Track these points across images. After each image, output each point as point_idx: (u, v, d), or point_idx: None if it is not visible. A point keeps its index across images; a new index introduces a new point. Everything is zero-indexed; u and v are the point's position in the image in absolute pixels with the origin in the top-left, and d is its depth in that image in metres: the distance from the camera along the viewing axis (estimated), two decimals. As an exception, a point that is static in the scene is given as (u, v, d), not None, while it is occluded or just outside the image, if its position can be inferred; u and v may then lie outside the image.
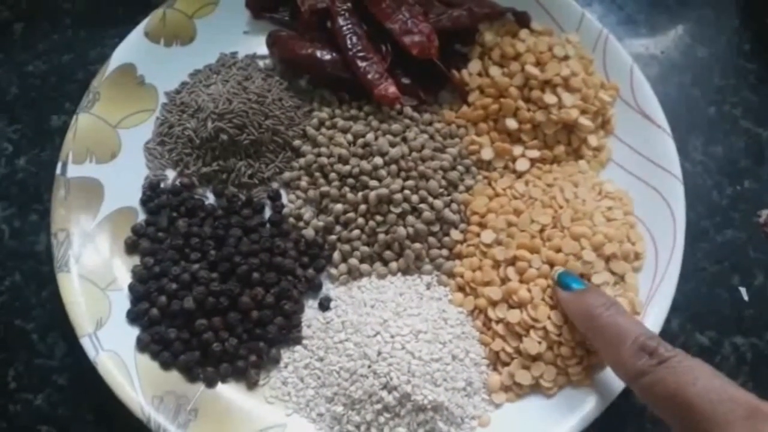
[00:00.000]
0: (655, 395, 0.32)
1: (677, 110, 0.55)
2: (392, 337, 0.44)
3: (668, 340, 0.43)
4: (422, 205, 0.49)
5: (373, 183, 0.49)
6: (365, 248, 0.49)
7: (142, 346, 0.45)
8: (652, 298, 0.46)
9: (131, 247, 0.49)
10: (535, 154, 0.52)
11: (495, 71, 0.53)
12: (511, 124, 0.52)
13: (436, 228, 0.49)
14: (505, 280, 0.46)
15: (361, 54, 0.52)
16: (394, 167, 0.50)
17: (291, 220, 0.51)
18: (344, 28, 0.53)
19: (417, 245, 0.49)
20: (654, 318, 0.45)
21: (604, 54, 0.54)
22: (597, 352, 0.43)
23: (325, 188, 0.50)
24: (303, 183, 0.51)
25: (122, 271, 0.48)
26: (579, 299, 0.37)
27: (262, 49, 0.56)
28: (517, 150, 0.52)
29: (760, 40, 0.60)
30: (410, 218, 0.49)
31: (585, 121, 0.51)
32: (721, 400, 0.29)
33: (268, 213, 0.51)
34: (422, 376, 0.42)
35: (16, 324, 0.50)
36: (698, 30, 0.61)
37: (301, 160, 0.52)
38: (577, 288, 0.40)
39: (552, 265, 0.46)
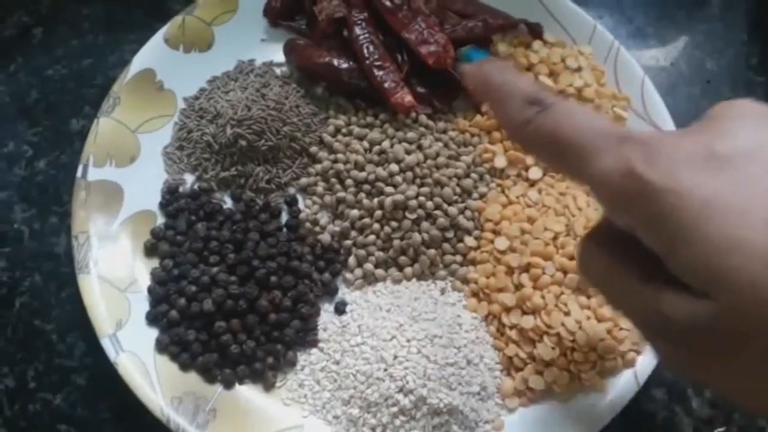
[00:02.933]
0: (536, 141, 0.31)
1: (687, 122, 0.55)
2: (408, 341, 0.44)
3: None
4: (437, 212, 0.50)
5: (389, 189, 0.50)
6: (380, 253, 0.50)
7: (161, 347, 0.46)
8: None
9: (150, 250, 0.50)
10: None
11: (508, 81, 0.54)
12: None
13: (450, 234, 0.50)
14: (518, 287, 0.47)
15: (377, 63, 0.53)
16: (409, 174, 0.51)
17: (307, 224, 0.51)
18: (361, 37, 0.54)
19: (432, 251, 0.49)
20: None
21: (615, 65, 0.55)
22: (610, 358, 0.44)
23: (341, 194, 0.51)
24: (319, 188, 0.52)
25: (142, 273, 0.49)
26: (478, 67, 0.35)
27: (279, 57, 0.57)
28: (530, 159, 0.53)
29: (767, 54, 0.61)
30: (425, 224, 0.50)
31: None
32: (592, 133, 0.29)
33: (284, 218, 0.52)
34: (437, 379, 0.43)
35: (35, 324, 0.50)
36: (707, 43, 0.62)
37: (318, 166, 0.53)
38: (479, 58, 0.37)
39: (565, 272, 0.46)
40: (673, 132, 0.28)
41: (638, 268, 0.29)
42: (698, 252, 0.25)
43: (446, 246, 0.50)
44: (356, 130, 0.53)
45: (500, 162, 0.52)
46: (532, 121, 0.31)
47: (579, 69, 0.53)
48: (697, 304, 0.26)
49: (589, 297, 0.46)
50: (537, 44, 0.55)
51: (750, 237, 0.24)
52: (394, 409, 0.43)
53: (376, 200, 0.50)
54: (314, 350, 0.47)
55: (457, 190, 0.51)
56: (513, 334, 0.46)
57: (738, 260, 0.24)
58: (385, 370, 0.44)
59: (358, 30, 0.54)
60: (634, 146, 0.27)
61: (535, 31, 0.56)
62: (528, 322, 0.45)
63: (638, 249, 0.28)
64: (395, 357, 0.44)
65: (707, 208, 0.25)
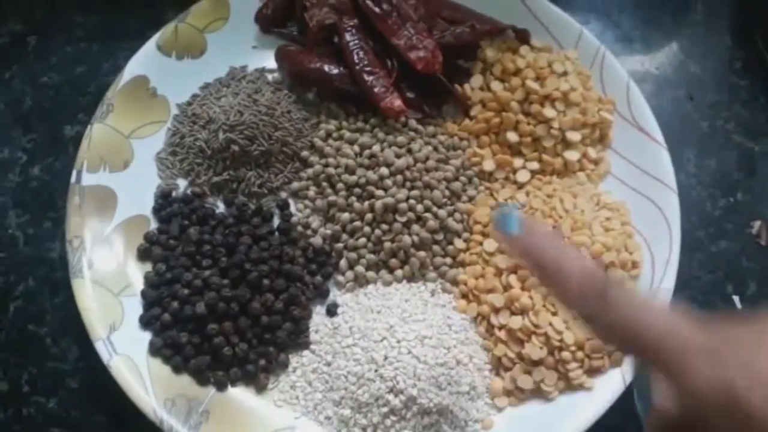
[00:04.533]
0: (609, 335, 0.31)
1: (672, 124, 0.57)
2: (398, 342, 0.45)
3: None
4: (427, 215, 0.51)
5: (379, 193, 0.51)
6: (371, 256, 0.50)
7: (154, 350, 0.47)
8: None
9: (144, 254, 0.50)
10: (535, 166, 0.53)
11: (496, 86, 0.55)
12: (512, 137, 0.53)
13: (440, 237, 0.51)
14: (507, 288, 0.47)
15: (367, 69, 0.54)
16: (399, 177, 0.51)
17: (299, 228, 0.52)
18: (351, 43, 0.55)
19: (422, 253, 0.50)
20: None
21: (601, 70, 0.56)
22: (597, 357, 0.45)
23: (332, 198, 0.52)
24: (311, 192, 0.53)
25: (135, 277, 0.49)
26: (524, 241, 0.34)
27: (271, 63, 0.57)
28: (518, 162, 0.54)
29: (751, 58, 0.63)
30: (415, 227, 0.50)
31: (572, 135, 0.53)
32: (670, 334, 0.29)
33: (276, 222, 0.53)
34: (427, 380, 0.44)
35: (29, 329, 0.51)
36: (692, 47, 0.63)
37: (309, 171, 0.53)
38: (514, 229, 0.37)
39: (552, 273, 0.47)
40: (756, 343, 0.29)
41: None
42: None
43: (436, 248, 0.51)
44: (347, 134, 0.54)
45: (488, 165, 0.53)
46: (600, 317, 0.30)
47: (565, 73, 0.54)
48: None
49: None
50: (524, 49, 0.56)
51: None
52: (385, 409, 0.44)
53: (366, 203, 0.51)
54: (306, 352, 0.48)
55: (447, 193, 0.52)
56: (502, 334, 0.46)
57: None
58: (376, 370, 0.44)
59: (348, 36, 0.55)
60: (727, 365, 0.27)
61: (523, 37, 0.57)
62: (516, 322, 0.46)
63: None
64: (386, 358, 0.44)
65: None
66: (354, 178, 0.52)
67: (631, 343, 0.30)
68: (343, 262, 0.51)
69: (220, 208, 0.53)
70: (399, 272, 0.50)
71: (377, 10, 0.55)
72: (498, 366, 0.47)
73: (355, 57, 0.54)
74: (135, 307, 0.48)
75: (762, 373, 0.27)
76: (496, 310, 0.47)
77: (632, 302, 0.30)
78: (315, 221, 0.52)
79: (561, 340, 0.45)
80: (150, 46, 0.56)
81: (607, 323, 0.30)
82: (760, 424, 0.26)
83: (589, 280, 0.31)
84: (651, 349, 0.29)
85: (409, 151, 0.53)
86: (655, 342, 0.29)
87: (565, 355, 0.45)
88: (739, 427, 0.27)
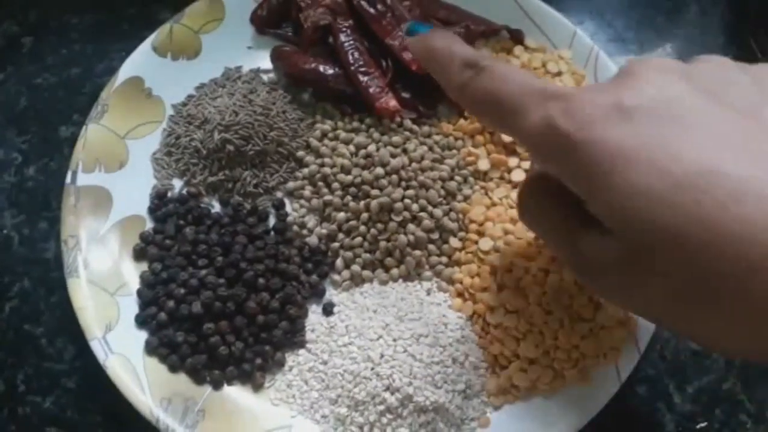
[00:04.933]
0: (474, 101, 0.34)
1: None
2: (394, 340, 0.45)
3: (660, 343, 0.45)
4: (422, 214, 0.51)
5: (375, 192, 0.51)
6: (367, 255, 0.51)
7: (150, 349, 0.47)
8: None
9: (139, 254, 0.50)
10: (529, 165, 0.54)
11: (491, 86, 0.55)
12: (507, 136, 0.54)
13: (435, 236, 0.51)
14: (502, 287, 0.47)
15: (362, 69, 0.54)
16: (395, 177, 0.51)
17: (295, 228, 0.52)
18: (346, 44, 0.55)
19: (417, 252, 0.50)
20: (646, 322, 0.47)
21: (595, 70, 0.56)
22: (592, 355, 0.45)
23: (328, 197, 0.52)
24: (306, 192, 0.53)
25: (131, 276, 0.49)
26: (422, 38, 0.38)
27: (266, 64, 0.58)
28: (513, 161, 0.54)
29: (744, 58, 0.62)
30: (411, 226, 0.51)
31: None
32: (524, 91, 0.32)
33: (272, 221, 0.53)
34: (424, 378, 0.44)
35: (25, 329, 0.51)
36: (685, 47, 0.64)
37: (305, 170, 0.54)
38: (424, 31, 0.40)
39: (547, 272, 0.47)
40: (592, 86, 0.33)
41: (566, 211, 0.32)
42: (608, 197, 0.28)
43: (431, 247, 0.51)
44: (342, 134, 0.54)
45: (484, 165, 0.53)
46: (469, 83, 0.33)
47: (559, 73, 0.55)
48: (606, 241, 0.30)
49: (571, 296, 0.47)
50: (518, 50, 0.56)
51: (647, 183, 0.27)
52: (381, 407, 0.44)
53: (362, 203, 0.51)
54: (302, 351, 0.48)
55: (442, 192, 0.52)
56: (497, 332, 0.46)
57: (638, 203, 0.27)
58: (372, 369, 0.44)
59: (343, 37, 0.55)
60: (556, 102, 0.30)
61: (517, 37, 0.57)
62: (511, 320, 0.46)
63: (567, 194, 0.31)
64: (382, 356, 0.45)
65: (615, 158, 0.28)
66: (350, 177, 0.52)
67: (490, 109, 0.33)
68: (339, 262, 0.51)
69: (216, 208, 0.53)
70: (395, 271, 0.50)
71: (372, 11, 0.55)
72: (494, 364, 0.47)
73: (350, 57, 0.54)
74: (131, 307, 0.48)
75: (579, 103, 0.29)
76: (492, 309, 0.47)
77: (502, 70, 0.33)
78: (311, 221, 0.52)
79: (556, 339, 0.45)
80: (145, 47, 0.56)
81: (475, 90, 0.33)
82: (575, 147, 0.29)
83: (470, 56, 0.34)
84: (503, 108, 0.32)
85: (405, 150, 0.53)
86: (506, 101, 0.32)
87: (561, 353, 0.45)
88: (561, 156, 0.30)
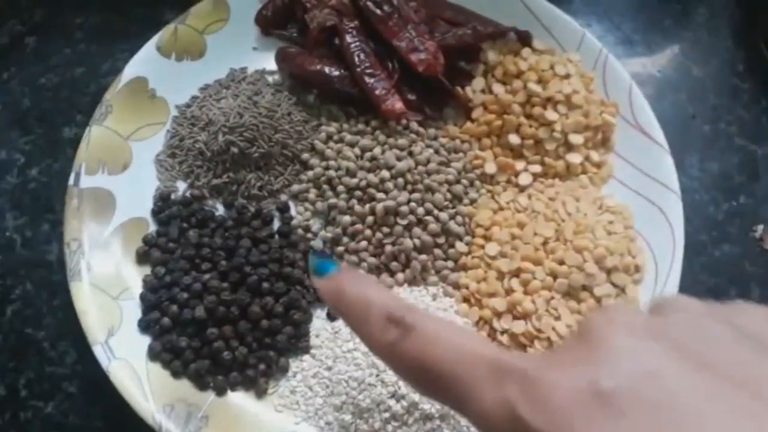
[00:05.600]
0: (403, 368, 0.28)
1: (674, 128, 0.57)
2: (400, 346, 0.45)
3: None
4: (428, 218, 0.50)
5: (380, 195, 0.50)
6: (372, 259, 0.50)
7: (153, 354, 0.46)
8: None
9: (142, 257, 0.50)
10: (537, 168, 0.53)
11: (498, 88, 0.54)
12: (514, 139, 0.53)
13: (441, 240, 0.50)
14: (509, 292, 0.47)
15: (368, 71, 0.53)
16: (400, 180, 0.51)
17: (299, 231, 0.52)
18: (352, 45, 0.54)
19: (423, 257, 0.50)
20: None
21: (603, 72, 0.56)
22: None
23: (332, 200, 0.51)
24: (311, 195, 0.53)
25: (134, 280, 0.49)
26: (331, 282, 0.32)
27: (271, 65, 0.57)
28: (520, 165, 0.53)
29: (753, 61, 0.62)
30: (416, 230, 0.50)
31: (575, 138, 0.52)
32: (463, 360, 0.26)
33: (276, 224, 0.52)
34: (430, 384, 0.43)
35: (27, 332, 0.50)
36: (694, 50, 0.63)
37: (310, 173, 0.53)
38: (331, 272, 0.33)
39: (555, 277, 0.47)
40: (552, 360, 0.26)
41: None
42: None
43: (437, 251, 0.50)
44: (348, 137, 0.53)
45: (490, 168, 0.53)
46: (396, 345, 0.27)
47: (568, 76, 0.54)
48: None
49: (579, 302, 0.47)
50: (526, 52, 0.56)
51: None
52: (387, 414, 0.43)
53: (367, 206, 0.51)
54: (306, 356, 0.47)
55: (448, 196, 0.52)
56: (504, 338, 0.46)
57: None
58: (377, 375, 0.44)
59: (349, 38, 0.54)
60: (513, 384, 0.24)
61: (525, 39, 0.56)
62: (519, 326, 0.46)
63: None
64: (387, 362, 0.44)
65: None
66: (355, 180, 0.51)
67: (427, 379, 0.27)
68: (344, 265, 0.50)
69: (220, 210, 0.52)
70: (400, 276, 0.50)
71: (378, 11, 0.54)
72: (500, 371, 0.46)
73: (356, 59, 0.54)
74: (133, 311, 0.48)
75: (545, 390, 0.24)
76: (498, 315, 0.47)
77: (431, 329, 0.27)
78: (315, 224, 0.52)
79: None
80: (149, 47, 0.55)
81: (403, 355, 0.27)
82: None
83: (393, 309, 0.28)
84: (442, 380, 0.26)
85: (410, 153, 0.53)
86: (446, 372, 0.26)
87: (568, 359, 0.44)
88: None
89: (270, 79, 0.57)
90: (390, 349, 0.28)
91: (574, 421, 0.23)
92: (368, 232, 0.50)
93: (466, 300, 0.49)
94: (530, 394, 0.24)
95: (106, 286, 0.48)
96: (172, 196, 0.52)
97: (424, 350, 0.27)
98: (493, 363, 0.25)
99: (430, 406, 0.43)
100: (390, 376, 0.43)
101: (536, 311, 0.45)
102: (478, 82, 0.55)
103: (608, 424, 0.22)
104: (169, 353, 0.46)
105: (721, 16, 0.65)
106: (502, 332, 0.46)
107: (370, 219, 0.50)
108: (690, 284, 0.52)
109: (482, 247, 0.50)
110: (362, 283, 0.31)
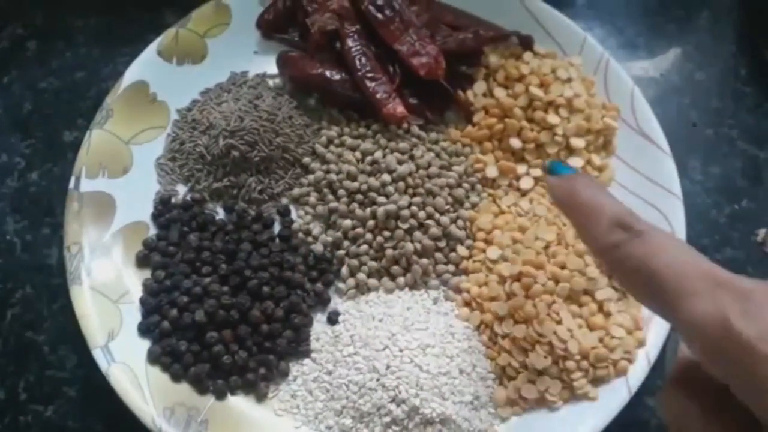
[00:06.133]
0: (624, 268, 0.31)
1: (676, 131, 0.56)
2: (401, 351, 0.44)
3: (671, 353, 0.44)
4: (429, 221, 0.50)
5: (381, 199, 0.50)
6: (373, 263, 0.50)
7: (153, 358, 0.46)
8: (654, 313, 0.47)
9: (142, 261, 0.50)
10: (538, 172, 0.53)
11: (499, 92, 0.54)
12: (515, 143, 0.53)
13: (442, 244, 0.50)
14: (510, 296, 0.47)
15: (369, 74, 0.53)
16: (401, 184, 0.51)
17: (300, 235, 0.52)
18: (353, 49, 0.54)
19: (424, 260, 0.49)
20: (656, 332, 0.46)
21: (605, 76, 0.56)
22: (602, 366, 0.44)
23: (333, 204, 0.51)
24: (312, 199, 0.52)
25: (134, 284, 0.49)
26: (565, 182, 0.35)
27: (272, 69, 0.57)
28: (521, 168, 0.53)
29: (755, 65, 0.62)
30: (417, 234, 0.50)
31: (576, 142, 0.52)
32: (687, 273, 0.28)
33: (277, 228, 0.52)
34: (430, 389, 0.43)
35: (27, 336, 0.50)
36: (697, 54, 0.63)
37: (310, 177, 0.53)
38: (566, 173, 0.37)
39: (557, 281, 0.47)
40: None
41: (732, 422, 0.27)
42: None
43: (438, 255, 0.50)
44: (349, 140, 0.53)
45: (491, 172, 0.53)
46: (620, 247, 0.30)
47: (569, 80, 0.54)
48: None
49: (580, 306, 0.47)
50: (528, 56, 0.56)
51: None
52: (387, 419, 0.43)
53: (368, 210, 0.50)
54: (307, 360, 0.47)
55: (449, 199, 0.51)
56: (505, 343, 0.46)
57: None
58: (378, 380, 0.43)
59: (350, 42, 0.54)
60: (731, 295, 0.26)
61: (526, 43, 0.56)
62: (520, 331, 0.45)
63: (731, 400, 0.26)
64: (388, 367, 0.44)
65: None
66: (356, 184, 0.51)
67: (645, 281, 0.29)
68: (344, 270, 0.50)
69: (220, 214, 0.52)
70: (401, 280, 0.50)
71: (379, 15, 0.54)
72: (502, 375, 0.46)
73: (357, 63, 0.54)
74: (133, 315, 0.47)
75: (761, 305, 0.25)
76: (500, 319, 0.46)
77: (662, 240, 0.30)
78: (316, 228, 0.52)
79: (565, 349, 0.44)
80: (150, 51, 0.55)
81: (627, 257, 0.30)
82: (755, 359, 0.25)
83: (624, 215, 0.31)
84: (659, 287, 0.28)
85: (412, 157, 0.52)
86: (666, 278, 0.28)
87: (570, 364, 0.44)
88: (735, 364, 0.25)
89: (271, 82, 0.57)
90: (615, 249, 0.30)
91: None
92: (369, 236, 0.50)
93: (467, 304, 0.49)
94: (746, 308, 0.25)
95: (106, 290, 0.48)
96: (173, 200, 0.52)
97: (648, 254, 0.29)
98: (711, 275, 0.27)
99: (430, 410, 0.43)
100: (390, 380, 0.43)
101: (537, 315, 0.45)
102: (480, 86, 0.55)
103: None
104: (168, 357, 0.46)
105: (724, 20, 0.65)
106: (504, 336, 0.46)
107: (371, 223, 0.50)
108: (692, 289, 0.52)
109: (483, 251, 0.50)
110: (596, 188, 0.34)
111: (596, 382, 0.45)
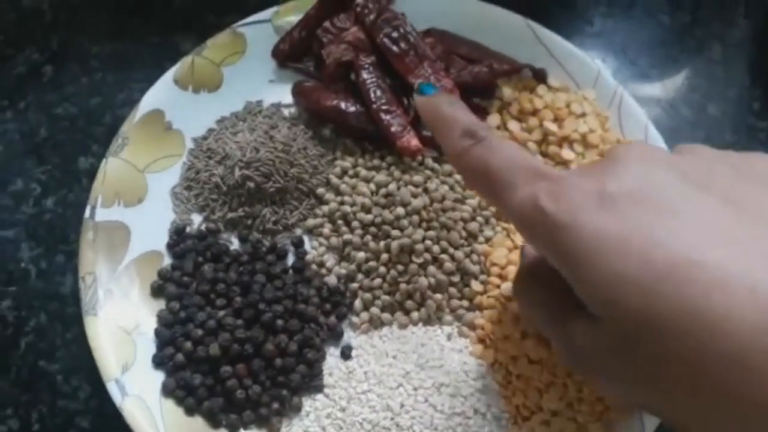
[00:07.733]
0: (469, 169, 0.35)
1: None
2: (415, 389, 0.44)
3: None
4: (443, 256, 0.50)
5: (395, 233, 0.50)
6: (387, 297, 0.50)
7: (167, 391, 0.46)
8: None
9: (157, 291, 0.50)
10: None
11: (514, 126, 0.54)
12: (530, 177, 0.53)
13: (456, 278, 0.50)
14: (524, 336, 0.47)
15: (384, 107, 0.53)
16: (415, 218, 0.51)
17: (314, 266, 0.52)
18: (368, 81, 0.54)
19: (438, 296, 0.49)
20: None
21: (619, 111, 0.56)
22: (615, 408, 0.44)
23: (347, 236, 0.51)
24: (326, 230, 0.52)
25: (148, 315, 0.49)
26: (430, 100, 0.40)
27: (287, 98, 0.57)
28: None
29: (769, 100, 0.62)
30: (431, 268, 0.50)
31: None
32: (515, 168, 0.32)
33: (291, 259, 0.52)
34: (444, 430, 0.43)
35: (40, 365, 0.50)
36: (709, 87, 0.63)
37: (325, 208, 0.53)
38: (432, 93, 0.42)
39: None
40: (579, 170, 0.33)
41: (558, 296, 0.32)
42: (590, 284, 0.28)
43: (452, 290, 0.50)
44: (363, 172, 0.53)
45: (506, 206, 0.53)
46: (466, 151, 0.35)
47: (584, 114, 0.54)
48: (593, 328, 0.30)
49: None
50: (542, 89, 0.56)
51: (628, 271, 0.27)
52: (400, 457, 0.43)
53: (382, 243, 0.51)
54: (320, 396, 0.47)
55: (464, 233, 0.51)
56: (519, 383, 0.46)
57: (620, 291, 0.27)
58: (392, 419, 0.44)
59: (365, 74, 0.55)
60: (544, 182, 0.31)
61: (540, 76, 0.57)
62: (534, 371, 0.45)
63: (559, 280, 0.31)
64: (402, 406, 0.44)
65: (596, 244, 0.28)
66: (370, 216, 0.51)
67: (483, 179, 0.34)
68: (357, 303, 0.50)
69: (235, 244, 0.52)
70: (415, 314, 0.50)
71: (395, 48, 0.55)
72: (516, 415, 0.46)
73: (372, 95, 0.54)
74: (147, 346, 0.47)
75: (568, 187, 0.30)
76: (514, 358, 0.46)
77: (498, 143, 0.34)
78: (330, 260, 0.52)
79: (580, 391, 0.44)
80: (166, 79, 0.56)
81: (470, 159, 0.34)
82: (556, 230, 0.29)
83: (471, 125, 0.35)
84: (493, 183, 0.33)
85: (426, 190, 0.52)
86: (498, 174, 0.33)
87: (584, 407, 0.44)
88: (544, 238, 0.30)
89: (286, 112, 0.57)
90: (461, 153, 0.35)
91: (578, 208, 0.29)
92: (383, 269, 0.50)
93: (481, 341, 0.49)
94: (552, 190, 0.30)
95: (121, 321, 0.48)
96: (188, 230, 0.52)
97: (484, 155, 0.34)
98: (532, 168, 0.32)
99: (444, 450, 0.43)
100: (405, 420, 0.43)
101: (552, 356, 0.45)
102: (494, 119, 0.55)
103: (602, 212, 0.28)
104: (182, 390, 0.46)
105: (736, 53, 0.65)
106: (518, 376, 0.46)
107: (384, 256, 0.50)
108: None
109: (498, 286, 0.50)
110: (454, 105, 0.38)
111: (611, 424, 0.45)
